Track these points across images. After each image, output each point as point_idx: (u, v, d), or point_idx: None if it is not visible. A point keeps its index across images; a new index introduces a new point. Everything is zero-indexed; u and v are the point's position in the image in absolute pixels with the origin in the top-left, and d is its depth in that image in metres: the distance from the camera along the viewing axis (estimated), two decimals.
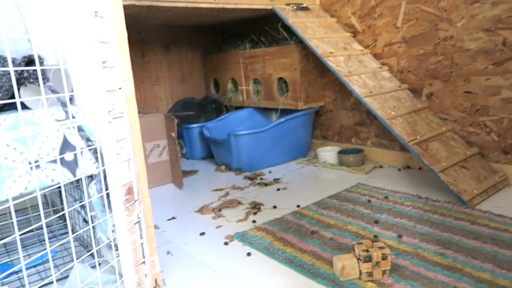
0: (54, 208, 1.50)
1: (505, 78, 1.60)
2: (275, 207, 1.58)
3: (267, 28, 2.49)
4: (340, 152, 2.08)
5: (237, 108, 2.65)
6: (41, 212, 0.67)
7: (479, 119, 1.70)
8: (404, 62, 1.94)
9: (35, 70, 1.04)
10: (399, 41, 1.93)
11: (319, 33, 2.00)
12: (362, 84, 1.78)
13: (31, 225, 1.46)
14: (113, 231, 1.05)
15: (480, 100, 1.69)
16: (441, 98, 1.82)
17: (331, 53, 1.86)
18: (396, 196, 1.57)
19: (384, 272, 1.03)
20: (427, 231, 1.26)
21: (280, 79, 2.31)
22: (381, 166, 2.01)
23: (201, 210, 1.61)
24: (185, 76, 2.88)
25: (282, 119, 2.13)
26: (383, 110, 1.68)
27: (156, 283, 1.06)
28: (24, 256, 1.29)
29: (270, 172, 2.08)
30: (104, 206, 1.01)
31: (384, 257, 1.02)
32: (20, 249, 0.62)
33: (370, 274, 1.02)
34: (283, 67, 2.24)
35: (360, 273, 1.04)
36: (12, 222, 1.43)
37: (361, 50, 2.03)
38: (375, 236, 1.25)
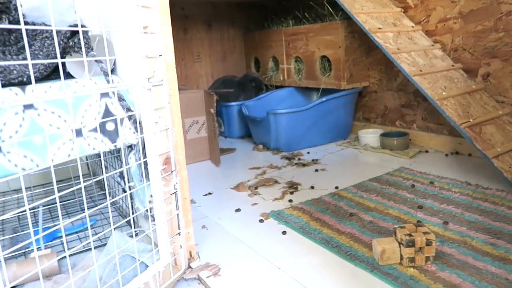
0: (96, 178, 1.55)
1: None
2: (312, 187, 1.54)
3: (312, 3, 2.40)
4: (383, 135, 1.99)
5: (277, 87, 2.60)
6: (80, 174, 0.68)
7: None
8: (459, 39, 1.80)
9: (80, 40, 1.05)
10: (455, 17, 1.79)
11: (367, 8, 1.89)
12: (412, 62, 1.68)
13: (74, 194, 1.51)
14: (150, 202, 1.06)
15: None
16: (499, 79, 1.68)
17: (379, 29, 1.76)
18: (443, 182, 1.48)
19: (427, 258, 0.97)
20: (476, 219, 1.18)
21: (323, 57, 2.23)
22: (426, 151, 1.91)
23: (237, 187, 1.60)
24: (226, 54, 2.86)
25: (323, 99, 2.06)
26: (433, 90, 1.57)
27: (191, 255, 1.06)
28: (66, 223, 1.34)
29: (308, 153, 2.03)
30: (142, 176, 1.01)
31: (429, 243, 0.96)
32: (59, 210, 0.63)
33: (412, 259, 0.97)
34: (327, 45, 2.16)
35: (401, 258, 0.98)
36: (57, 188, 1.49)
37: (412, 27, 1.91)
38: (419, 222, 1.19)
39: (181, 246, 1.01)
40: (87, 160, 1.73)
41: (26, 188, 1.59)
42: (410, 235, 0.97)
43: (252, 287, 0.95)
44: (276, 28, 2.53)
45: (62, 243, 1.23)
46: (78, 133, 0.97)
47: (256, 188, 1.58)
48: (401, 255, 0.98)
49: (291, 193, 1.50)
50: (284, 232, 1.20)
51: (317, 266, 1.02)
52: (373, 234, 1.14)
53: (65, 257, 1.10)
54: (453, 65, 1.77)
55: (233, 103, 2.40)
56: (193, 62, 2.73)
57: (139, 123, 0.96)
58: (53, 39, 1.03)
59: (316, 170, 1.74)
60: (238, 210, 1.39)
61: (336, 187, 1.51)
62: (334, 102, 2.10)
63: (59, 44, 1.01)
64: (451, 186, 1.43)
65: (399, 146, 1.91)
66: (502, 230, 1.10)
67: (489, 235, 1.09)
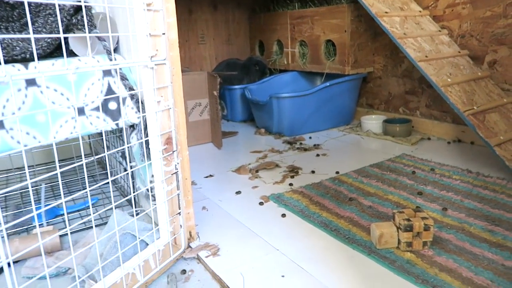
0: (97, 157, 1.56)
1: None
2: (313, 172, 1.55)
3: None
4: (385, 121, 1.98)
5: (281, 71, 2.59)
6: (82, 151, 0.68)
7: None
8: (467, 25, 1.77)
9: (83, 17, 1.04)
10: (464, 2, 1.76)
11: None
12: (418, 48, 1.66)
13: (76, 173, 1.53)
14: (151, 181, 1.07)
15: None
16: (505, 66, 1.66)
17: (386, 13, 1.73)
18: (444, 169, 1.48)
19: (425, 243, 0.98)
20: (475, 206, 1.18)
21: (328, 41, 2.21)
22: (429, 138, 1.90)
23: (238, 170, 1.60)
24: (230, 36, 2.83)
25: (327, 83, 2.05)
26: (439, 76, 1.55)
27: (191, 235, 1.08)
28: (68, 201, 1.35)
29: (310, 137, 2.03)
30: (143, 155, 1.02)
31: (427, 228, 0.97)
32: (61, 186, 0.64)
33: (409, 244, 0.98)
34: (333, 29, 2.13)
35: (399, 242, 0.99)
36: (59, 167, 1.51)
37: (420, 11, 1.88)
38: (418, 207, 1.19)
39: (181, 225, 1.02)
40: (89, 139, 1.74)
41: (28, 166, 1.60)
42: (408, 220, 0.98)
43: (250, 268, 0.96)
44: (282, 11, 2.50)
45: (64, 221, 1.25)
46: (81, 111, 0.97)
47: (257, 171, 1.58)
48: (398, 239, 0.99)
49: (292, 177, 1.51)
50: (283, 215, 1.21)
51: (315, 248, 1.03)
52: (372, 218, 1.15)
53: (66, 234, 1.11)
54: (459, 52, 1.75)
55: (236, 87, 2.39)
56: (197, 44, 2.71)
57: (141, 102, 0.96)
58: (56, 16, 1.02)
59: (318, 155, 1.75)
60: (238, 192, 1.39)
61: (337, 172, 1.52)
62: (338, 87, 2.09)
63: (62, 22, 1.00)
64: (451, 174, 1.43)
65: (401, 133, 1.90)
66: (500, 218, 1.11)
67: (487, 222, 1.09)
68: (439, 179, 1.39)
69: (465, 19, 1.77)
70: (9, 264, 0.69)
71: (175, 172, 0.97)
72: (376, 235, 1.00)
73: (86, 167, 0.71)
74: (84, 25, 1.07)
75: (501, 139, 1.40)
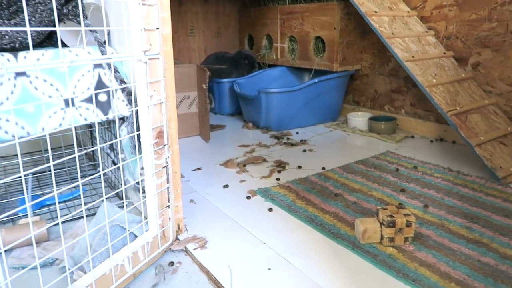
0: (89, 150, 1.55)
1: None
2: (300, 167, 1.57)
3: None
4: (371, 119, 2.02)
5: (270, 66, 2.60)
6: (75, 143, 0.69)
7: None
8: (453, 27, 1.81)
9: (75, 7, 1.03)
10: (451, 4, 1.80)
11: None
12: (405, 48, 1.69)
13: (63, 164, 1.52)
14: (141, 174, 1.08)
15: None
16: (488, 68, 1.71)
17: (375, 12, 1.76)
18: (426, 167, 1.52)
19: (406, 239, 1.02)
20: (455, 204, 1.23)
21: (317, 38, 2.23)
22: (412, 136, 1.95)
23: (226, 164, 1.62)
24: (220, 29, 2.83)
25: (315, 80, 2.08)
26: (424, 76, 1.59)
27: (179, 227, 1.09)
28: (60, 191, 1.35)
29: (297, 133, 2.06)
30: (134, 148, 1.02)
31: (409, 224, 1.00)
32: (53, 178, 0.64)
33: (391, 239, 1.01)
34: (322, 25, 2.15)
35: (382, 237, 1.03)
36: (46, 157, 1.49)
37: (408, 12, 1.91)
38: (400, 204, 1.23)
39: (169, 218, 1.03)
40: (76, 130, 1.72)
41: (13, 155, 1.58)
42: (391, 216, 1.01)
43: (237, 260, 0.98)
44: (272, 5, 2.50)
45: (50, 211, 1.24)
46: (70, 102, 0.97)
47: (244, 165, 1.60)
48: (381, 235, 1.03)
49: (279, 171, 1.53)
50: (270, 209, 1.23)
51: (301, 242, 1.06)
52: (356, 214, 1.18)
53: (53, 225, 1.11)
54: (444, 53, 1.79)
55: (225, 80, 2.40)
56: (186, 36, 2.69)
57: (134, 95, 0.97)
58: (46, 4, 1.01)
59: (304, 151, 1.77)
60: (226, 186, 1.41)
61: (323, 168, 1.55)
62: (326, 83, 2.12)
63: (52, 11, 0.99)
64: (433, 172, 1.48)
65: (386, 131, 1.94)
66: (478, 215, 1.16)
67: (466, 219, 1.14)
68: (421, 177, 1.43)
69: (451, 21, 1.81)
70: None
71: (166, 166, 0.98)
72: (360, 231, 1.03)
73: (74, 158, 0.71)
74: (75, 16, 1.06)
75: (481, 140, 1.45)
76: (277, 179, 1.46)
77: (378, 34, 1.70)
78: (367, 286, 0.88)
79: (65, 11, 1.03)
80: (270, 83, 2.44)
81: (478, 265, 0.93)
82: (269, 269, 0.95)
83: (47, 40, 1.08)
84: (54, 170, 1.52)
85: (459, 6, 1.77)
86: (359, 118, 2.06)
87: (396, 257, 0.97)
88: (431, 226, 1.10)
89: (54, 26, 0.89)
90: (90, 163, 1.61)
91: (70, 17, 1.04)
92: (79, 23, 1.01)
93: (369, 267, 0.95)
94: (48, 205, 1.28)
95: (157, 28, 0.85)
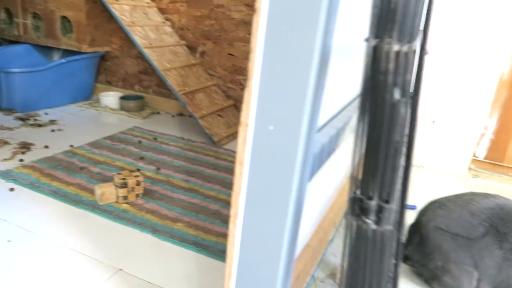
0: None
1: None
2: (46, 147, 1.62)
3: None
4: (122, 98, 2.20)
5: (12, 42, 2.39)
6: None
7: (237, 77, 2.12)
8: (185, 20, 2.17)
9: None
10: (182, 0, 2.14)
11: None
12: (144, 36, 1.93)
13: None
14: None
15: (238, 62, 2.09)
16: (211, 57, 2.15)
17: (116, 0, 1.92)
18: (164, 138, 1.84)
19: (137, 195, 1.27)
20: (181, 164, 1.57)
21: (64, 18, 2.21)
22: (158, 113, 2.25)
23: None
24: None
25: (63, 60, 2.09)
26: (160, 62, 1.88)
27: None
28: None
29: (46, 113, 2.04)
30: None
31: (138, 183, 1.26)
32: None
33: (125, 197, 1.25)
34: (68, 6, 2.15)
35: (117, 197, 1.25)
36: None
37: (148, 3, 2.15)
38: (138, 169, 1.48)
39: None
40: None
41: None
42: (124, 179, 1.24)
43: None
44: None
45: None
46: None
47: None
48: (117, 195, 1.25)
49: (23, 153, 1.54)
50: (12, 189, 1.27)
51: (45, 214, 1.16)
52: (99, 182, 1.36)
53: None
54: (178, 42, 2.13)
55: None
56: None
57: None
58: None
59: (53, 131, 1.80)
60: None
61: (71, 146, 1.64)
62: (76, 64, 2.15)
63: None
64: (169, 141, 1.80)
65: (135, 108, 2.17)
66: (196, 171, 1.53)
67: (187, 175, 1.49)
68: (159, 146, 1.73)
69: (183, 15, 2.16)
70: None
71: None
72: (98, 194, 1.22)
73: None
74: None
75: (203, 113, 1.86)
76: (21, 160, 1.47)
77: (119, 21, 1.87)
78: (104, 236, 1.09)
79: None
80: (12, 61, 2.26)
81: (188, 205, 1.28)
82: (9, 241, 1.03)
83: None
84: None
85: (188, 3, 2.13)
86: (110, 97, 2.21)
87: (128, 210, 1.21)
88: (160, 183, 1.40)
89: None
90: None
91: None
92: None
93: (107, 223, 1.15)
94: None
95: None
